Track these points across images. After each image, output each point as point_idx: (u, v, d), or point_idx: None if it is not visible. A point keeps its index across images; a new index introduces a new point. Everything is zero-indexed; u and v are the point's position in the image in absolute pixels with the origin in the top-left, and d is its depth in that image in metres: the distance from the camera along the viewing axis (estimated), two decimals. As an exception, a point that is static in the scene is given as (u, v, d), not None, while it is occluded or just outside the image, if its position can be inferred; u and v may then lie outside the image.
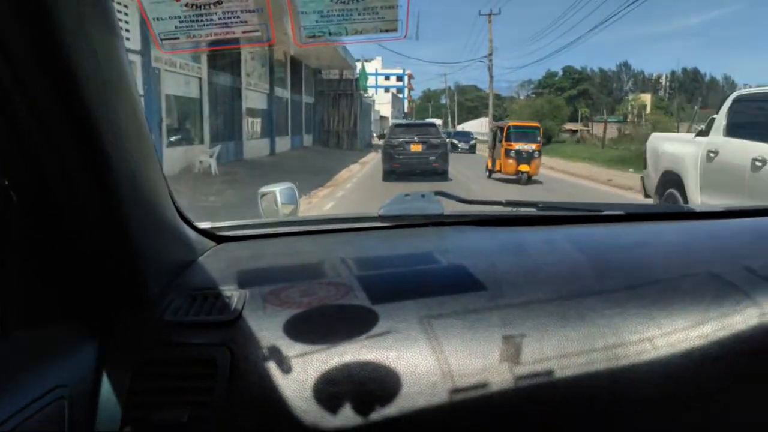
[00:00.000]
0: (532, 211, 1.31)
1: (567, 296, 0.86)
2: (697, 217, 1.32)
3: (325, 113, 29.82)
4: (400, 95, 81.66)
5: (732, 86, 59.28)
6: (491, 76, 38.46)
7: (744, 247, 1.05)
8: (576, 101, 48.53)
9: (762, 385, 0.78)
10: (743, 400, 0.78)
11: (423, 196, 1.32)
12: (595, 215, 1.27)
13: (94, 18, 0.69)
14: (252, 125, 19.85)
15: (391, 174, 12.83)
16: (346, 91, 29.76)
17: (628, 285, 0.89)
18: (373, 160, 20.59)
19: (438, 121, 41.87)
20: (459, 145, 31.92)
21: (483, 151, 28.62)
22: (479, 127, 45.40)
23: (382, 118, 62.60)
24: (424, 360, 0.78)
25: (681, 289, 0.87)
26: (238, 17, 0.80)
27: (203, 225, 1.14)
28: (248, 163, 16.72)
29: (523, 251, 1.10)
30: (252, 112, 19.68)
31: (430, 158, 12.86)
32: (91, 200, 0.74)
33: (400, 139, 13.31)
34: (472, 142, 33.76)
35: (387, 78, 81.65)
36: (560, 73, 60.08)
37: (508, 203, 1.35)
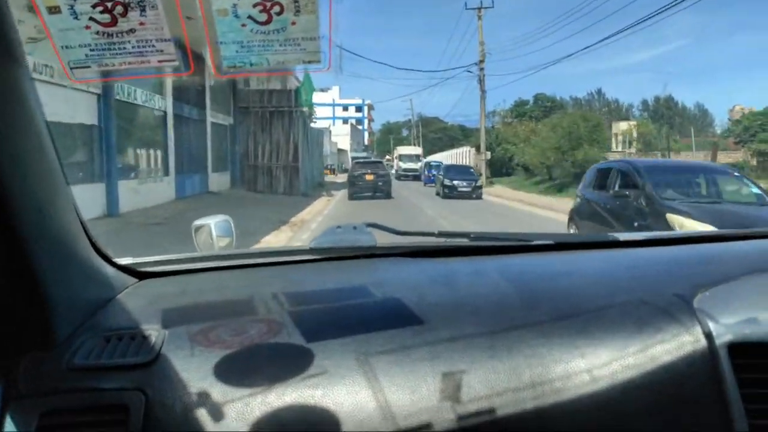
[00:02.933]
0: (464, 241, 1.39)
1: (495, 328, 0.91)
2: (621, 246, 1.43)
3: (250, 140, 21.48)
4: (360, 127, 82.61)
5: (704, 113, 62.45)
6: (483, 91, 32.83)
7: (662, 274, 1.14)
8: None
9: (686, 410, 0.84)
10: (669, 427, 0.84)
11: (355, 227, 1.37)
12: (525, 245, 1.36)
13: None
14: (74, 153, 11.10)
15: (354, 194, 21.16)
16: (281, 108, 21.32)
17: (555, 315, 0.95)
18: (321, 214, 15.06)
19: (418, 150, 40.33)
20: (457, 186, 22.47)
21: (501, 196, 23.79)
22: (456, 158, 42.23)
23: (340, 151, 62.82)
24: (361, 401, 0.80)
25: (604, 317, 0.93)
26: (153, 46, 0.85)
27: (123, 261, 1.15)
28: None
29: (453, 283, 1.16)
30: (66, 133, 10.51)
31: (378, 184, 21.40)
32: None
33: (359, 172, 21.85)
34: (477, 181, 23.49)
35: (345, 108, 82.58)
36: (531, 101, 61.69)
37: (441, 234, 1.43)
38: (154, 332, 0.91)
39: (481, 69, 32.93)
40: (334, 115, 77.45)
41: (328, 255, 1.29)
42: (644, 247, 1.40)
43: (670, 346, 0.86)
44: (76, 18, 0.80)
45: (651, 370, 0.84)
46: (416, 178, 38.64)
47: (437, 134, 74.52)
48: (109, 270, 1.06)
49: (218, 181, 19.77)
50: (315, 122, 32.80)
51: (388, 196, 21.03)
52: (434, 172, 29.97)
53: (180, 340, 0.89)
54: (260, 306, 1.04)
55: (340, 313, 1.02)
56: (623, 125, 33.64)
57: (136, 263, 1.18)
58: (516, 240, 1.38)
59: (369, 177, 21.19)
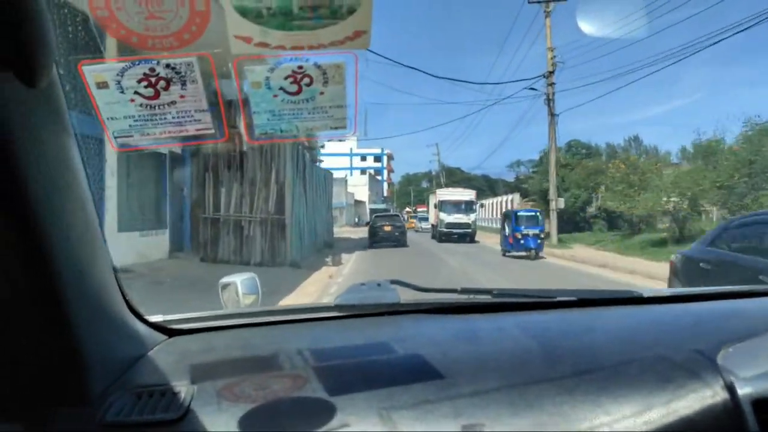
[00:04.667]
0: (486, 298, 1.46)
1: (518, 384, 0.96)
2: (644, 302, 1.48)
3: (208, 180, 14.68)
4: (378, 177, 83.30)
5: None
6: (552, 115, 24.73)
7: (685, 331, 1.19)
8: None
9: None
10: None
11: (379, 284, 1.45)
12: (547, 302, 1.42)
13: (44, 116, 0.80)
14: None
15: (373, 243, 24.92)
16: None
17: (577, 371, 1.00)
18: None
19: (470, 193, 31.44)
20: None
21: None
22: (497, 208, 42.37)
23: (357, 203, 63.04)
24: None
25: (627, 374, 0.98)
26: (192, 116, 0.96)
27: (154, 318, 1.24)
28: None
29: (476, 339, 1.22)
30: None
31: (396, 234, 25.46)
32: (35, 298, 0.83)
33: (379, 224, 26.04)
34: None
35: (363, 158, 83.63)
36: (563, 148, 60.73)
37: (463, 291, 1.50)
38: (183, 388, 0.98)
39: (550, 84, 24.65)
40: (351, 165, 78.45)
41: (352, 312, 1.37)
42: (668, 304, 1.45)
43: (693, 402, 0.91)
44: (122, 92, 0.91)
45: (675, 426, 0.88)
46: (467, 239, 28.92)
47: (461, 185, 74.23)
48: (141, 328, 1.15)
49: (145, 245, 12.37)
50: (321, 161, 26.35)
51: (404, 244, 25.16)
52: (529, 230, 18.60)
53: (207, 395, 0.96)
54: (284, 361, 1.11)
55: (364, 369, 1.08)
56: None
57: (167, 321, 1.27)
58: (538, 297, 1.44)
59: (387, 228, 25.47)
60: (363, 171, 77.48)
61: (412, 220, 49.90)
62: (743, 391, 0.91)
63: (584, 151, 56.85)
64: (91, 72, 0.90)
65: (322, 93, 0.96)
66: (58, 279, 0.84)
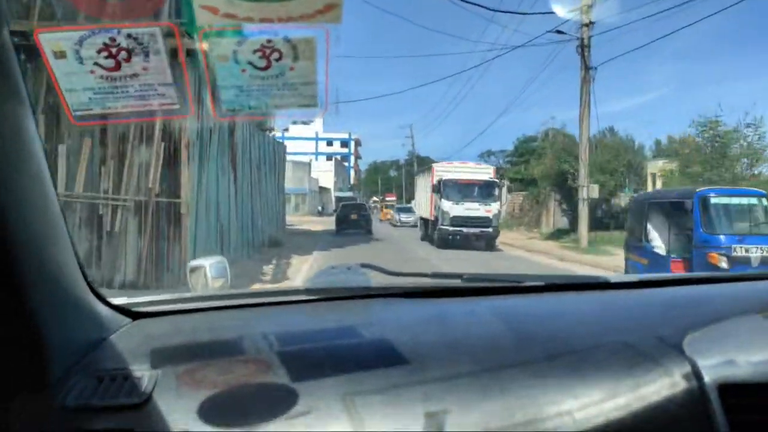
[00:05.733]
0: (457, 282, 1.49)
1: (488, 368, 0.99)
2: (613, 287, 1.54)
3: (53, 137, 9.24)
4: (345, 163, 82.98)
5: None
6: (588, 68, 18.29)
7: (652, 316, 1.24)
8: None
9: None
10: None
11: (349, 268, 1.47)
12: (517, 286, 1.46)
13: None
14: None
15: (340, 230, 26.93)
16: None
17: (547, 355, 1.03)
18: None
19: (487, 170, 21.70)
20: None
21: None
22: None
23: (322, 190, 62.43)
24: None
25: (595, 358, 1.01)
26: (156, 90, 0.94)
27: (118, 300, 1.23)
28: None
29: (446, 323, 1.25)
30: None
31: (361, 222, 27.47)
32: None
33: (345, 212, 28.24)
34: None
35: (330, 143, 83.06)
36: (540, 137, 59.65)
37: (435, 275, 1.53)
38: (146, 373, 0.97)
39: (586, 25, 18.07)
40: (317, 150, 77.87)
41: (322, 296, 1.38)
42: (636, 289, 1.50)
43: (660, 387, 0.94)
44: (81, 63, 0.90)
45: (642, 411, 0.92)
46: (486, 243, 19.68)
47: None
48: (104, 310, 1.14)
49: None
50: (272, 129, 20.91)
51: (369, 232, 26.82)
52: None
53: (170, 380, 0.96)
54: (250, 346, 1.12)
55: (331, 353, 1.09)
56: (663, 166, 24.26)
57: (131, 303, 1.26)
58: (508, 281, 1.48)
59: (354, 216, 28.24)
60: (329, 156, 76.98)
61: (387, 211, 45.54)
62: (709, 376, 0.95)
63: (562, 139, 57.07)
64: (47, 40, 0.88)
65: (292, 69, 0.96)
66: (13, 259, 0.83)
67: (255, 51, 0.93)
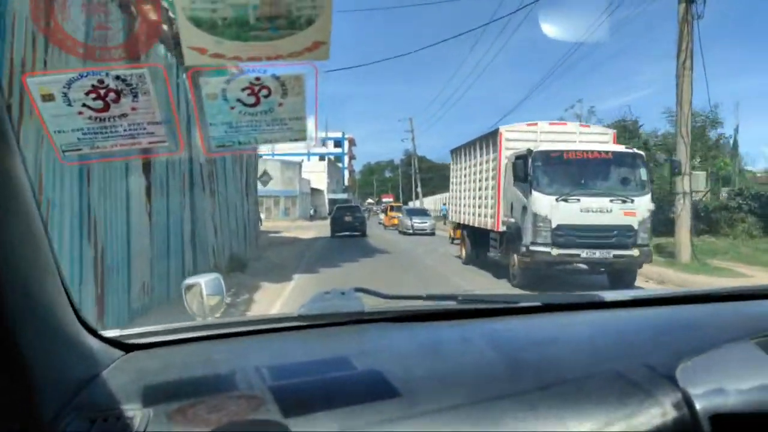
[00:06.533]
0: (452, 304, 1.51)
1: (482, 400, 1.01)
2: (608, 307, 1.56)
3: None
4: (339, 164, 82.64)
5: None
6: (689, 20, 13.77)
7: (646, 342, 1.26)
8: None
9: None
10: None
11: (343, 293, 1.49)
12: (512, 307, 1.48)
13: None
14: None
15: (336, 232, 27.32)
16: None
17: (540, 385, 1.05)
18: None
19: (609, 133, 11.99)
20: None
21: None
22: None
23: (315, 192, 61.34)
24: None
25: (589, 388, 1.03)
26: (145, 129, 0.96)
27: (110, 333, 1.24)
28: None
29: (440, 351, 1.27)
30: None
31: (355, 224, 27.89)
32: None
33: (340, 214, 28.52)
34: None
35: (323, 143, 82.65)
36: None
37: (428, 297, 1.54)
38: (138, 412, 0.99)
39: None
40: (309, 150, 77.50)
41: (315, 322, 1.40)
42: (630, 308, 1.52)
43: (653, 417, 0.96)
44: (69, 105, 0.92)
45: None
46: (623, 274, 10.94)
47: (428, 174, 69.41)
48: (96, 344, 1.15)
49: None
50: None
51: (363, 234, 27.51)
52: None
53: (162, 419, 0.97)
54: (243, 380, 1.13)
55: (325, 386, 1.11)
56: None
57: (123, 335, 1.27)
58: (503, 302, 1.50)
59: (348, 218, 28.34)
60: (322, 157, 76.44)
61: (392, 215, 35.50)
62: (701, 406, 0.97)
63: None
64: (35, 84, 0.90)
65: (281, 104, 0.98)
66: (1, 291, 0.83)
67: (244, 89, 0.96)
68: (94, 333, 1.16)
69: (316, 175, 63.25)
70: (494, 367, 1.16)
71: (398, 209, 37.37)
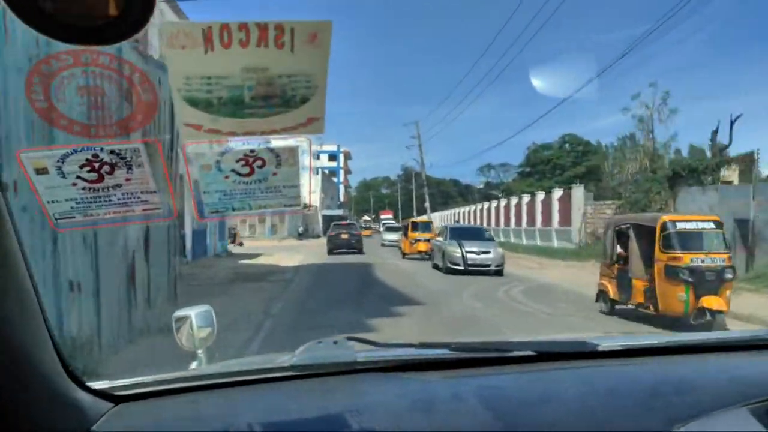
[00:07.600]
0: (444, 352, 1.53)
1: None
2: (601, 357, 1.59)
3: None
4: (334, 179, 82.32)
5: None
6: None
7: (639, 403, 1.29)
8: (584, 181, 34.21)
9: None
10: None
11: (335, 342, 1.51)
12: (505, 357, 1.51)
13: None
14: None
15: (332, 250, 28.84)
16: None
17: None
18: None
19: None
20: None
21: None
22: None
23: (307, 207, 60.32)
24: None
25: None
26: (138, 197, 1.00)
27: (98, 384, 1.23)
28: None
29: (433, 410, 1.28)
30: None
31: (352, 241, 29.47)
32: None
33: (336, 232, 30.18)
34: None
35: (317, 156, 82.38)
36: (555, 144, 53.30)
37: (421, 345, 1.56)
38: None
39: None
40: (301, 164, 76.76)
41: (307, 372, 1.41)
42: (621, 359, 1.56)
43: None
44: (63, 177, 0.95)
45: None
46: None
47: (430, 189, 66.73)
48: (84, 396, 1.14)
49: None
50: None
51: (360, 251, 28.86)
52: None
53: None
54: None
55: None
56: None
57: (112, 387, 1.27)
58: (496, 351, 1.52)
59: (344, 236, 29.95)
60: (316, 171, 76.06)
61: (414, 235, 25.47)
62: None
63: (581, 147, 54.51)
64: (29, 159, 0.92)
65: (275, 174, 1.01)
66: None
67: (238, 160, 0.99)
68: (82, 385, 1.15)
69: (309, 190, 62.11)
70: (487, 428, 1.18)
71: (424, 227, 27.05)
